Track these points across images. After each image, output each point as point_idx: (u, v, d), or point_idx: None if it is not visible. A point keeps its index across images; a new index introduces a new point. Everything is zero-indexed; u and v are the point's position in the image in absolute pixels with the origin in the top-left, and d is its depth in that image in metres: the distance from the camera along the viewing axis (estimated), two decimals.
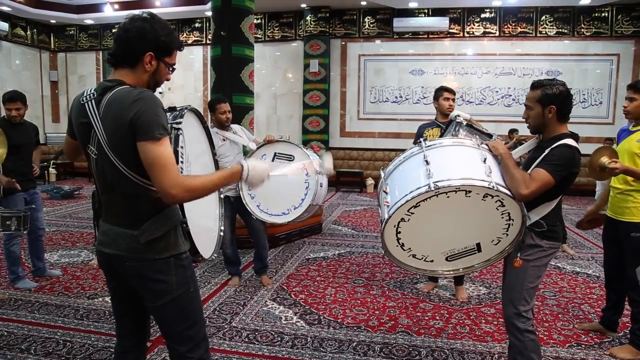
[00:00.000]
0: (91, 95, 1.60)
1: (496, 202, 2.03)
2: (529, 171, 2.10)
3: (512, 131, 8.02)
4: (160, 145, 1.50)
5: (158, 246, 1.62)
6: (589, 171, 2.83)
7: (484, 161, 2.02)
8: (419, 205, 2.01)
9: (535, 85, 2.21)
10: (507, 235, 2.17)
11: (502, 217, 2.10)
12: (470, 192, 1.98)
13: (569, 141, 2.11)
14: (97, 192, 1.72)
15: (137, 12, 1.65)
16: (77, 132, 1.66)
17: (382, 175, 2.25)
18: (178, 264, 1.66)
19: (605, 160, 2.65)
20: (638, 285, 2.78)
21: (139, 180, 1.57)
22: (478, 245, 2.22)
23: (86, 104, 1.59)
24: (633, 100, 2.84)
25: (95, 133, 1.57)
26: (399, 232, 2.16)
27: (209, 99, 9.76)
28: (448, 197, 1.99)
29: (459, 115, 2.66)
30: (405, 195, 1.98)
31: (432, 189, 1.90)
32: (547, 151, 2.11)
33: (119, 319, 1.84)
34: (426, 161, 2.01)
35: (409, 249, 2.25)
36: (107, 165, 1.57)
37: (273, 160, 3.72)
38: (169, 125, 1.71)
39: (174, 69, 1.71)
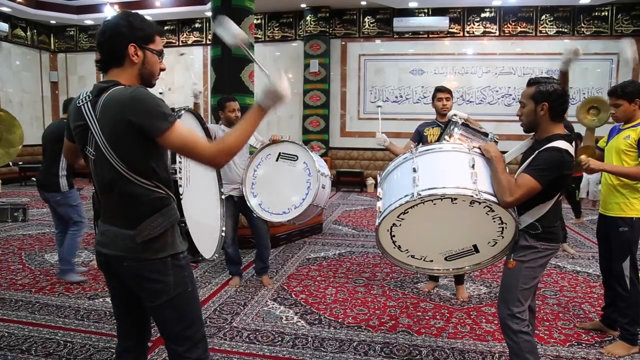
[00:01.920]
0: (87, 97, 1.60)
1: (484, 207, 2.03)
2: (515, 175, 2.07)
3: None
4: (177, 129, 1.52)
5: (155, 246, 1.62)
6: None
7: (472, 167, 2.02)
8: (407, 212, 2.06)
9: (531, 83, 2.20)
10: (503, 237, 2.17)
11: (494, 222, 2.10)
12: (456, 199, 2.00)
13: (560, 143, 2.06)
14: (96, 192, 1.72)
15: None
16: (74, 135, 1.67)
17: (379, 179, 2.31)
18: (175, 264, 1.66)
19: (583, 157, 2.79)
20: (625, 280, 2.86)
21: (138, 180, 1.57)
22: (475, 246, 2.22)
23: (82, 106, 1.59)
24: (618, 105, 2.93)
25: (93, 134, 1.57)
26: (394, 236, 2.20)
27: (209, 99, 9.76)
28: (435, 204, 2.02)
29: (455, 115, 2.66)
30: (392, 203, 2.04)
31: (415, 198, 1.95)
32: (534, 154, 2.08)
33: (119, 319, 1.84)
34: (414, 169, 2.05)
35: (407, 250, 2.26)
36: (106, 166, 1.57)
37: (277, 159, 3.75)
38: None
39: (162, 55, 1.70)
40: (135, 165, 1.56)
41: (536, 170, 2.03)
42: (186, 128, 1.55)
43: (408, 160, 2.15)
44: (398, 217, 2.08)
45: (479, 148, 2.16)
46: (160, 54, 1.68)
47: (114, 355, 2.74)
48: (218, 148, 1.56)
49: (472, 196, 1.92)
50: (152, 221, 1.60)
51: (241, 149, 1.63)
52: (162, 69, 1.72)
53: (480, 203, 1.99)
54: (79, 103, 1.61)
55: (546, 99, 2.12)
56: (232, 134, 1.60)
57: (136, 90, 1.53)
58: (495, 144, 2.46)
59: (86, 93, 1.62)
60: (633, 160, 2.86)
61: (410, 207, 2.03)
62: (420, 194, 1.94)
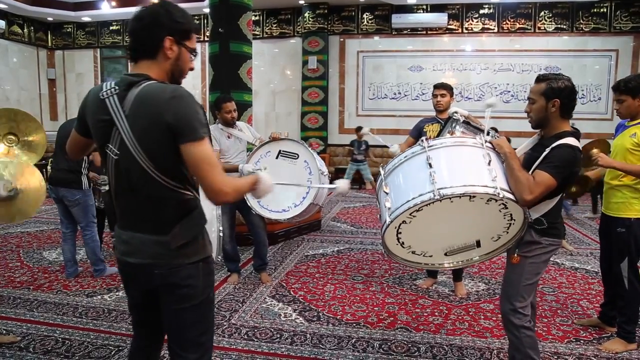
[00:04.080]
0: (113, 89, 1.47)
1: (500, 205, 1.99)
2: (530, 172, 2.06)
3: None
4: (205, 144, 1.43)
5: (188, 251, 1.54)
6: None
7: (489, 163, 1.97)
8: (422, 209, 1.97)
9: (541, 79, 2.17)
10: (507, 233, 2.16)
11: (504, 218, 2.08)
12: (474, 197, 1.94)
13: (571, 140, 2.07)
14: (111, 195, 1.60)
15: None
16: (94, 130, 1.54)
17: (382, 173, 2.18)
18: (205, 267, 1.61)
19: (595, 151, 2.83)
20: (623, 280, 2.86)
21: (167, 182, 1.48)
22: (477, 242, 2.22)
23: (107, 100, 1.46)
24: (622, 101, 2.87)
25: (119, 132, 1.45)
26: (400, 233, 2.13)
27: (207, 96, 9.75)
28: (452, 202, 1.95)
29: (456, 112, 2.64)
30: (408, 201, 1.94)
31: (436, 197, 1.85)
32: (547, 151, 2.07)
33: (136, 326, 1.78)
34: (429, 164, 1.95)
35: (409, 246, 2.24)
36: (133, 167, 1.46)
37: (277, 157, 3.72)
38: None
39: (195, 54, 1.59)
40: (166, 168, 1.46)
41: (552, 167, 2.01)
42: (211, 148, 1.47)
43: (419, 153, 2.03)
44: (411, 214, 1.99)
45: (491, 143, 2.09)
46: (193, 52, 1.58)
47: (118, 352, 2.74)
48: (235, 186, 1.53)
49: (493, 194, 1.87)
50: (186, 224, 1.52)
51: (240, 198, 1.69)
52: (191, 69, 1.62)
53: (497, 201, 1.95)
54: (102, 95, 1.47)
55: (558, 96, 2.10)
56: (240, 182, 1.65)
57: (178, 91, 1.43)
58: None
59: (111, 85, 1.49)
60: (639, 160, 2.78)
61: (426, 205, 1.94)
62: (440, 193, 1.85)
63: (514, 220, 2.09)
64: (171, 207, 1.52)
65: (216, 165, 1.44)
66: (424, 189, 1.92)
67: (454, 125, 2.53)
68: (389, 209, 2.02)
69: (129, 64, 1.56)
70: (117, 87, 1.47)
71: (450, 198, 1.91)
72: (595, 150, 2.82)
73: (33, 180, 3.10)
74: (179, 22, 1.50)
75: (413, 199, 1.93)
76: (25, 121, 3.35)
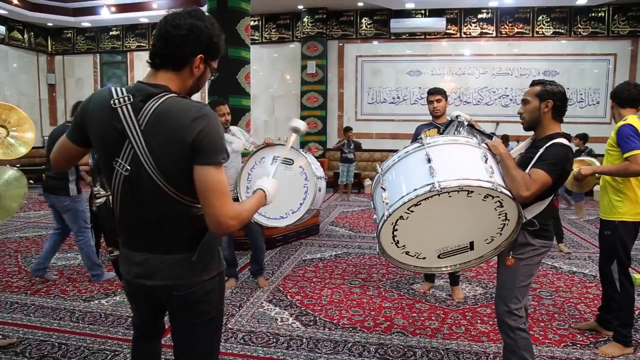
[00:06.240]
0: (126, 98, 1.35)
1: (495, 202, 2.02)
2: (526, 171, 2.11)
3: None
4: (221, 172, 1.36)
5: (209, 266, 1.51)
6: (570, 185, 3.34)
7: (486, 161, 2.02)
8: (420, 203, 1.97)
9: (536, 82, 2.30)
10: (501, 234, 2.18)
11: (499, 218, 2.10)
12: (472, 192, 1.96)
13: (562, 140, 2.16)
14: (112, 211, 1.50)
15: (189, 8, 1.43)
16: (100, 142, 1.41)
17: (379, 170, 2.19)
18: (221, 281, 1.58)
19: (574, 170, 2.96)
20: (615, 283, 2.89)
21: (183, 198, 1.40)
22: (471, 243, 2.22)
23: (120, 109, 1.34)
24: (612, 108, 3.11)
25: (132, 146, 1.34)
26: (396, 230, 2.12)
27: (205, 101, 9.79)
28: (450, 196, 1.96)
29: (460, 115, 2.62)
30: (408, 193, 1.94)
31: (437, 188, 1.86)
32: (542, 150, 2.13)
33: (142, 340, 1.76)
34: (428, 159, 1.97)
35: (403, 246, 2.23)
36: (146, 184, 1.37)
37: (272, 163, 3.71)
38: None
39: (217, 74, 1.54)
40: (183, 186, 1.38)
41: (547, 165, 2.08)
42: (225, 176, 1.39)
43: (418, 150, 2.06)
44: (408, 209, 1.99)
45: (486, 144, 2.16)
46: (215, 72, 1.50)
47: (115, 357, 2.74)
48: (239, 212, 1.38)
49: (490, 189, 1.91)
50: (208, 240, 1.46)
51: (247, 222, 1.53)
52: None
53: (493, 197, 1.99)
54: (115, 103, 1.34)
55: (551, 97, 2.20)
56: (244, 206, 1.49)
57: (203, 110, 1.35)
58: None
59: (123, 92, 1.36)
60: (616, 159, 2.88)
61: (424, 199, 1.94)
62: (441, 185, 1.86)
63: (508, 220, 2.11)
64: (188, 223, 1.45)
65: (226, 194, 1.35)
66: (423, 181, 1.93)
67: (459, 128, 2.52)
68: (387, 203, 2.02)
69: (150, 70, 1.44)
70: (130, 96, 1.35)
71: (448, 192, 1.93)
72: (574, 169, 2.94)
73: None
74: (215, 43, 1.43)
75: (413, 191, 1.93)
76: (14, 115, 3.46)
